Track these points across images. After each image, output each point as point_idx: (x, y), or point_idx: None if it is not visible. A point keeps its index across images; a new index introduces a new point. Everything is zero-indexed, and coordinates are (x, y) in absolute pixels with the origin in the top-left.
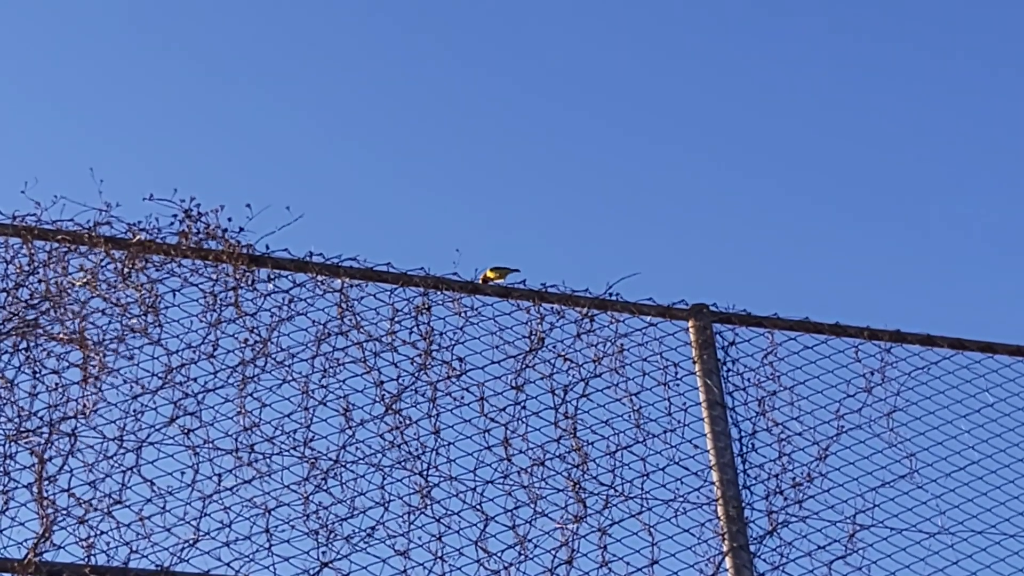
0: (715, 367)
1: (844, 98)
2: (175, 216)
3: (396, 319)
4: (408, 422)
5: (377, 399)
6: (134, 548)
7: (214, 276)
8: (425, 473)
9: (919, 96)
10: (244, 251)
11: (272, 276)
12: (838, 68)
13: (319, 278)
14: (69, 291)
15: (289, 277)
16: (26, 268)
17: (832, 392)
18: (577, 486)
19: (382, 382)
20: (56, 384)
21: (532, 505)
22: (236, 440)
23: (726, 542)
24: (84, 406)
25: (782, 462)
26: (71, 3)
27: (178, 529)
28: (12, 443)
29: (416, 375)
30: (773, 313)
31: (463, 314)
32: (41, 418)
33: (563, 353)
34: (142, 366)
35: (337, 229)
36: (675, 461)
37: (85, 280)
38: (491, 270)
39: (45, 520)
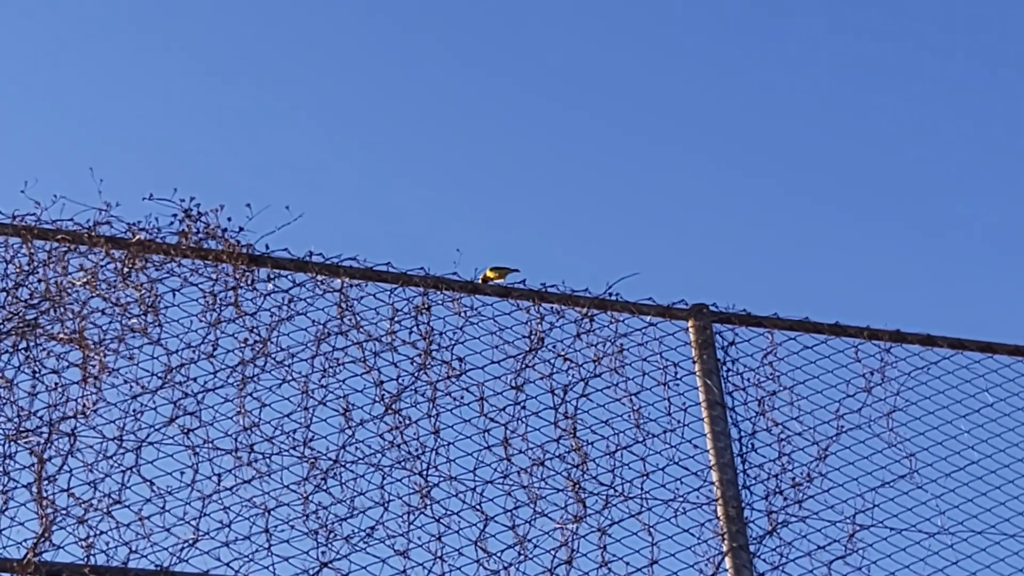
0: (715, 367)
1: (844, 98)
2: (175, 216)
3: (396, 319)
4: (408, 422)
5: (377, 399)
6: (133, 548)
7: (214, 276)
8: (425, 473)
9: (919, 96)
10: (244, 251)
11: (272, 276)
12: (838, 68)
13: (319, 278)
14: (69, 291)
15: (289, 277)
16: (26, 268)
17: (832, 392)
18: (577, 486)
19: (382, 382)
20: (56, 384)
21: (532, 505)
22: (236, 440)
23: (726, 542)
24: (84, 406)
25: (782, 462)
26: (71, 3)
27: (178, 529)
28: (12, 443)
29: (416, 375)
30: (773, 313)
31: (463, 314)
32: (41, 418)
33: (563, 353)
34: (142, 366)
35: (337, 229)
36: (675, 461)
37: (85, 280)
38: (491, 270)
39: (44, 520)
